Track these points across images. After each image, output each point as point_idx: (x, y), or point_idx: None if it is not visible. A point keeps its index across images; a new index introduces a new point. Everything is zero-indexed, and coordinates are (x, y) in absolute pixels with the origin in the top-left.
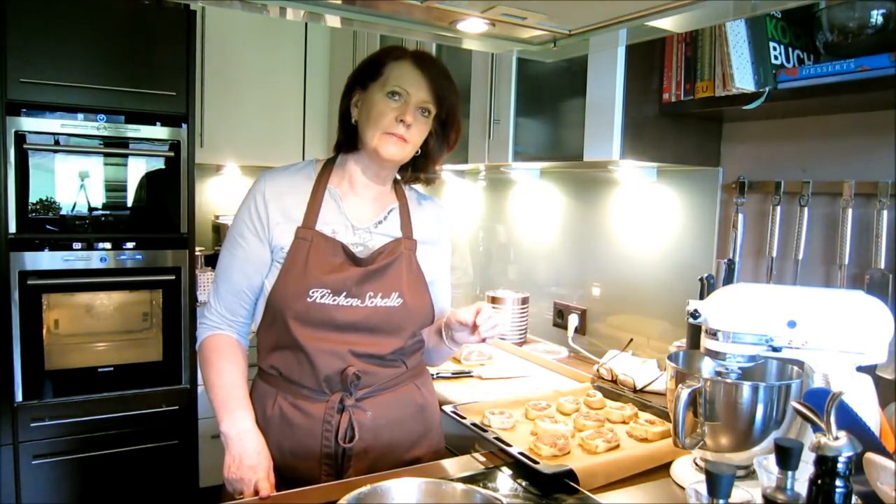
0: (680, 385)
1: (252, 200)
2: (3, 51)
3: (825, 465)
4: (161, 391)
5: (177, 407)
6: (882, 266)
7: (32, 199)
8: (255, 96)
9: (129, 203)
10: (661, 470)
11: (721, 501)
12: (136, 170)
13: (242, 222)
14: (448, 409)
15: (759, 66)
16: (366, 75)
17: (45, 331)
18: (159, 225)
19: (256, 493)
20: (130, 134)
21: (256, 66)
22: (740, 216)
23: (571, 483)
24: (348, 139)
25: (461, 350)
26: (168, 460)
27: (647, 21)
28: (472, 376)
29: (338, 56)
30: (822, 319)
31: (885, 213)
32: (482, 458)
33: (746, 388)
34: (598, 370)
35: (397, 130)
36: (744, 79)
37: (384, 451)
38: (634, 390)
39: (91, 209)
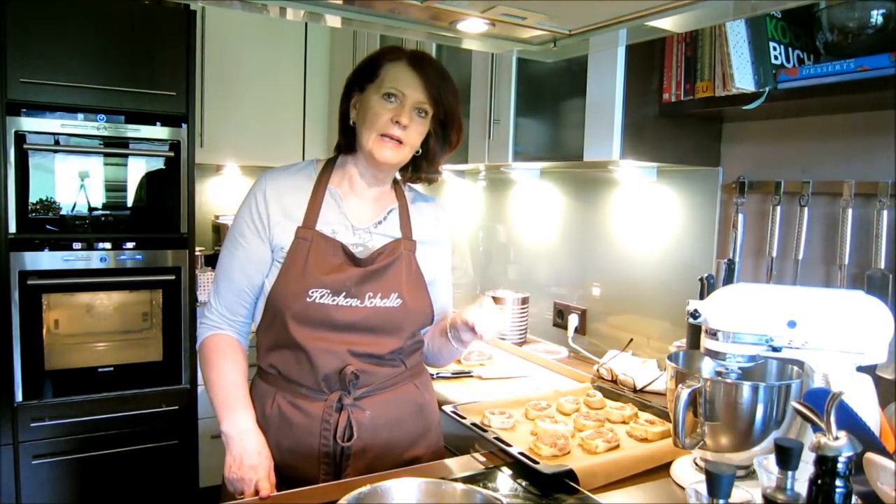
0: (680, 385)
1: (253, 200)
2: (3, 51)
3: (825, 465)
4: (161, 391)
5: (177, 407)
6: (882, 266)
7: (32, 199)
8: (255, 96)
9: (129, 203)
10: (661, 470)
11: (721, 501)
12: (136, 170)
13: (243, 221)
14: (448, 408)
15: (759, 66)
16: (363, 77)
17: (45, 331)
18: (159, 225)
19: (257, 492)
20: (130, 134)
21: (256, 66)
22: (740, 216)
23: (571, 483)
24: (347, 141)
25: (464, 350)
26: (168, 460)
27: (647, 21)
28: (472, 376)
29: (338, 56)
30: (822, 319)
31: (885, 213)
32: (482, 458)
33: (746, 388)
34: (598, 370)
35: (393, 132)
36: (744, 79)
37: (383, 450)
38: (634, 390)
39: (91, 209)
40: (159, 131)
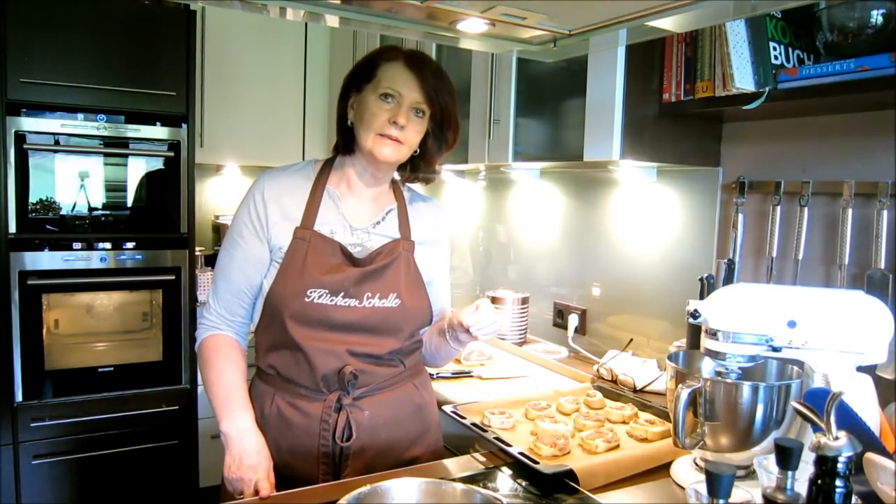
0: (680, 385)
1: (251, 200)
2: (4, 51)
3: (825, 465)
4: (161, 391)
5: (177, 407)
6: (882, 266)
7: (32, 199)
8: (255, 96)
9: (129, 203)
10: (661, 470)
11: (721, 501)
12: (136, 170)
13: (241, 222)
14: (448, 408)
15: (759, 66)
16: (360, 77)
17: (45, 331)
18: (159, 225)
19: (256, 492)
20: (130, 134)
21: (256, 66)
22: (740, 216)
23: (571, 483)
24: (345, 141)
25: (462, 350)
26: (168, 460)
27: (647, 21)
28: (472, 376)
29: (338, 56)
30: (822, 319)
31: (885, 213)
32: (482, 458)
33: (746, 388)
34: (598, 370)
35: (391, 132)
36: (744, 79)
37: (382, 450)
38: (634, 390)
39: (91, 209)
40: (159, 131)
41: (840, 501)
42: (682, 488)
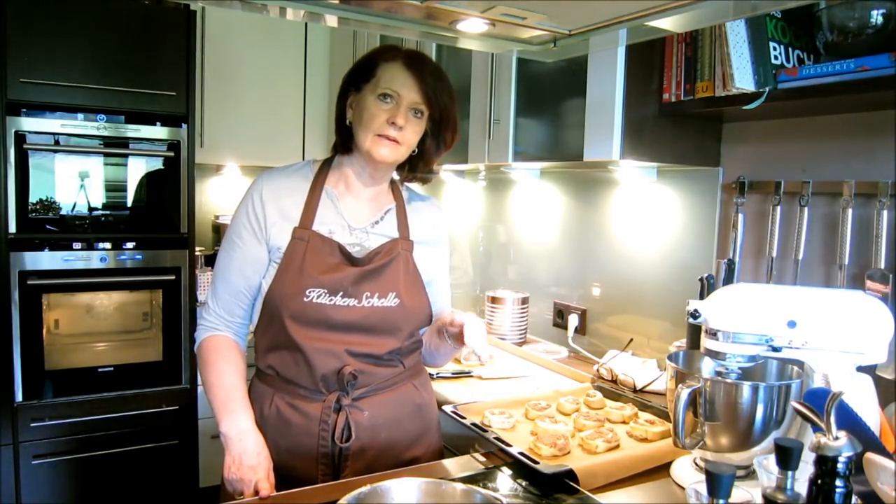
0: (680, 385)
1: (249, 201)
2: (3, 51)
3: (825, 465)
4: (161, 391)
5: (177, 407)
6: (882, 266)
7: (32, 199)
8: (255, 96)
9: (129, 203)
10: (661, 470)
11: (721, 501)
12: (136, 170)
13: (240, 223)
14: (448, 408)
15: (759, 66)
16: (359, 77)
17: (45, 331)
18: (159, 225)
19: (256, 493)
20: (130, 134)
21: (256, 66)
22: (740, 216)
23: (571, 483)
24: (344, 141)
25: (461, 350)
26: (168, 460)
27: (647, 21)
28: (472, 376)
29: (338, 56)
30: (822, 319)
31: (885, 213)
32: (482, 458)
33: (746, 388)
34: (598, 370)
35: (389, 133)
36: (744, 79)
37: (381, 450)
38: (634, 390)
39: (91, 209)
40: (159, 131)
41: (840, 501)
42: (682, 488)
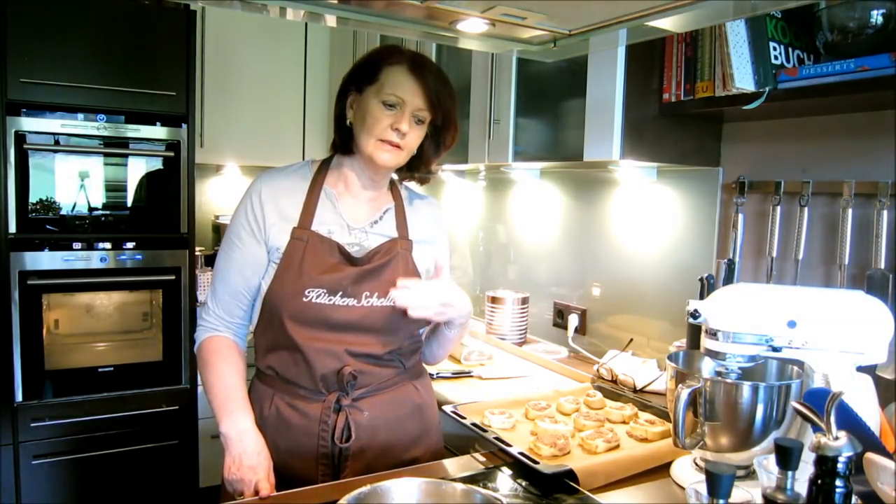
0: (680, 385)
1: (248, 201)
2: (3, 51)
3: (825, 465)
4: (161, 391)
5: (177, 407)
6: (882, 266)
7: (32, 199)
8: (255, 96)
9: (129, 203)
10: (661, 470)
11: (721, 501)
12: (136, 170)
13: (239, 224)
14: (448, 409)
15: (759, 66)
16: (361, 78)
17: (45, 331)
18: (159, 225)
19: (256, 493)
20: (130, 134)
21: (256, 66)
22: (740, 216)
23: (571, 483)
24: (343, 141)
25: (461, 350)
26: (168, 460)
27: (647, 21)
28: (472, 376)
29: (338, 56)
30: (822, 319)
31: (885, 213)
32: (482, 458)
33: (746, 388)
34: (598, 370)
35: (392, 138)
36: (744, 79)
37: (381, 450)
38: (634, 390)
39: (91, 209)
40: (159, 131)
41: (840, 501)
42: (682, 488)
